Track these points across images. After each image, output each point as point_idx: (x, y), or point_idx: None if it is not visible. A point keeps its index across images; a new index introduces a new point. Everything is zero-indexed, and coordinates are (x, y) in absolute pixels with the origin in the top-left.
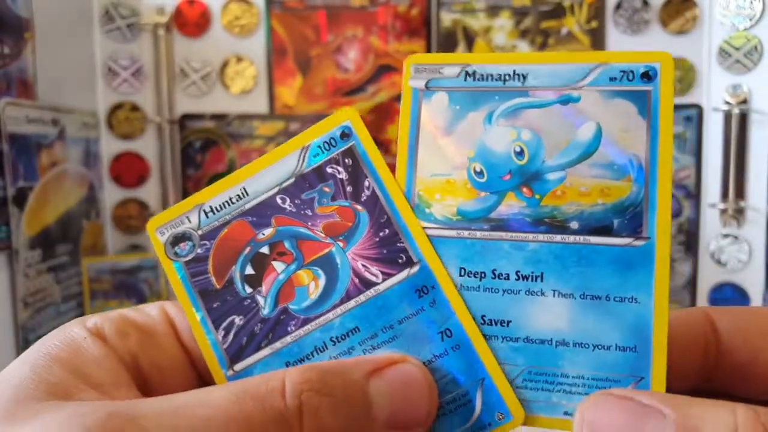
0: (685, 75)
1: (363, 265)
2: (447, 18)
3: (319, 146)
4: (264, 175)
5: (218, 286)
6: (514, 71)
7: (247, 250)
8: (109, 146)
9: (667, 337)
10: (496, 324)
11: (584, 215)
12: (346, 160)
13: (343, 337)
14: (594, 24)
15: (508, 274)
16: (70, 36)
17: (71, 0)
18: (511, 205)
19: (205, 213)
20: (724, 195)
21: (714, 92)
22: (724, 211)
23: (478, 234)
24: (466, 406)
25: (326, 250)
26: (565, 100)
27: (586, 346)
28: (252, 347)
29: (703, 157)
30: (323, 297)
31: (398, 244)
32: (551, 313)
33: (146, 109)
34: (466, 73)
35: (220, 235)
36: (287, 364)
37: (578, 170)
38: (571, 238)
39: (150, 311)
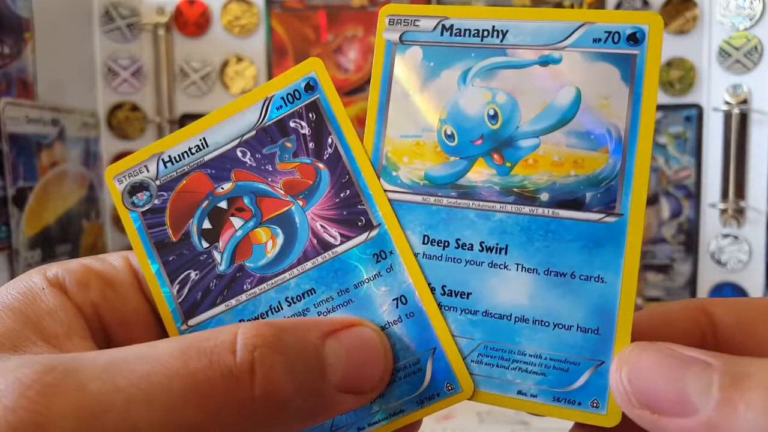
0: (685, 75)
1: (322, 226)
2: None
3: (283, 98)
4: (225, 126)
5: (174, 239)
6: (494, 27)
7: (205, 203)
8: (109, 146)
9: (632, 320)
10: (455, 295)
11: (555, 187)
12: (310, 115)
13: (298, 298)
14: None
15: (471, 245)
16: (70, 36)
17: (71, 0)
18: (481, 172)
19: (164, 162)
20: (724, 195)
21: (714, 92)
22: (724, 211)
23: (445, 201)
24: (416, 375)
25: (285, 209)
26: (545, 62)
27: (546, 324)
28: (207, 303)
29: (703, 157)
30: (280, 256)
31: (359, 206)
32: (513, 287)
33: (146, 109)
34: (443, 26)
35: (178, 187)
36: (241, 322)
37: (553, 138)
38: (540, 210)
39: (113, 261)
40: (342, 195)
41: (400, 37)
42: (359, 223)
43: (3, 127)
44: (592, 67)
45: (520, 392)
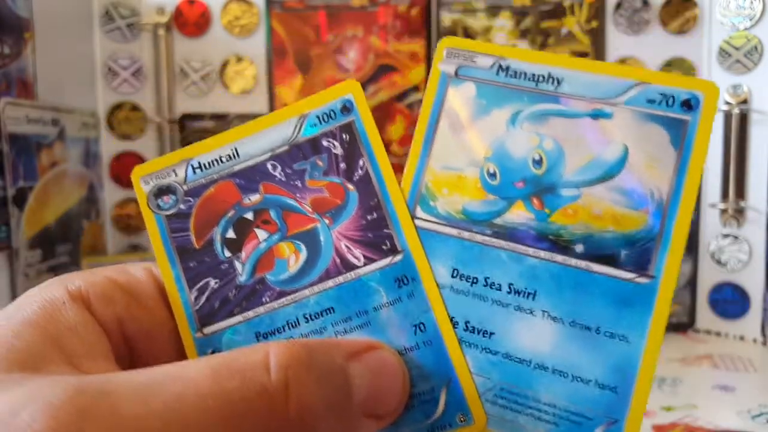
0: (686, 74)
1: (346, 246)
2: (447, 18)
3: (318, 117)
4: (257, 139)
5: (197, 246)
6: (550, 74)
7: (231, 213)
8: (109, 146)
9: (651, 384)
10: (478, 333)
11: (591, 239)
12: (344, 136)
13: (316, 315)
14: (594, 24)
15: (500, 285)
16: (70, 36)
17: (71, 0)
18: (519, 215)
19: (193, 168)
20: (724, 195)
21: None
22: (724, 211)
23: (479, 237)
24: (430, 403)
25: (311, 225)
26: (596, 115)
27: (565, 375)
28: (224, 312)
29: None
30: (302, 272)
31: (384, 230)
32: (537, 334)
33: (146, 109)
34: (500, 66)
35: (205, 194)
36: (257, 335)
37: (595, 191)
38: (573, 261)
39: (137, 273)
40: (369, 217)
41: (456, 71)
42: (384, 247)
43: (3, 127)
44: (642, 127)
45: None
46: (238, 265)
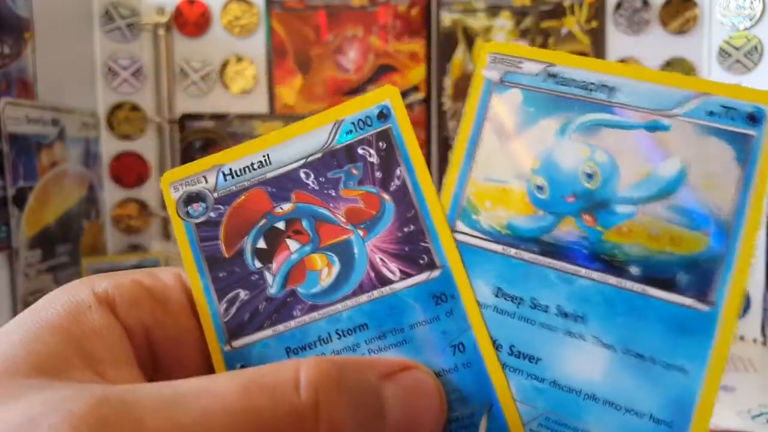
0: (686, 75)
1: (381, 260)
2: (447, 18)
3: (353, 123)
4: (290, 145)
5: (227, 255)
6: (602, 82)
7: (263, 222)
8: (109, 146)
9: (710, 421)
10: (524, 358)
11: (648, 261)
12: (380, 143)
13: (349, 331)
14: (594, 24)
15: (548, 307)
16: (70, 36)
17: (71, 0)
18: (569, 232)
19: (224, 175)
20: None
21: None
22: None
23: (526, 255)
24: (469, 429)
25: (345, 237)
26: (653, 127)
27: (617, 407)
28: (254, 325)
29: None
30: (335, 286)
31: (422, 244)
32: (587, 361)
33: (146, 109)
34: (548, 73)
35: (236, 202)
36: (288, 350)
37: (652, 209)
38: (628, 284)
39: (165, 278)
40: (405, 230)
41: (501, 78)
42: (421, 261)
43: (3, 127)
44: (702, 141)
45: None
46: (268, 276)
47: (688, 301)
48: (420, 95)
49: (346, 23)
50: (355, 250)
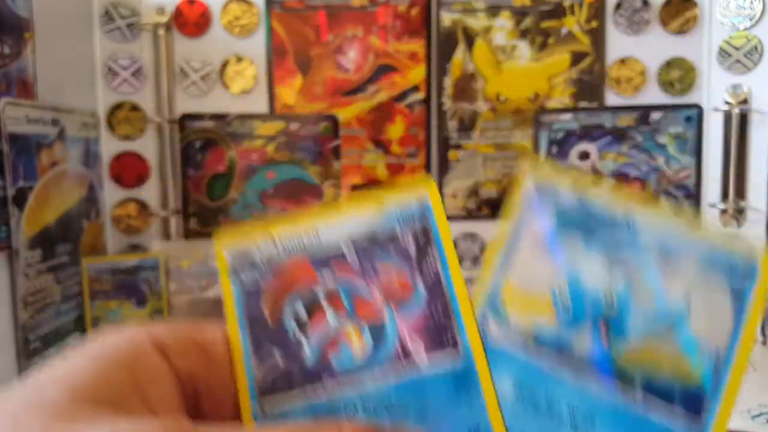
0: (686, 75)
1: (411, 341)
2: (447, 18)
3: (397, 215)
4: (338, 222)
5: (269, 320)
6: (625, 215)
7: (305, 291)
8: (109, 146)
9: None
10: None
11: (652, 382)
12: (419, 238)
13: (375, 406)
14: (594, 24)
15: (561, 408)
16: (69, 36)
17: (71, 0)
18: (586, 345)
19: (275, 244)
20: (725, 195)
21: (714, 92)
22: (724, 211)
23: (545, 359)
24: None
25: (379, 315)
26: (665, 263)
27: None
28: (285, 388)
29: (704, 157)
30: (366, 360)
31: (449, 333)
32: None
33: (146, 109)
34: (582, 200)
35: (282, 269)
36: (315, 417)
37: (658, 336)
38: (632, 397)
39: (213, 331)
40: (435, 316)
41: (537, 195)
42: (447, 348)
43: (3, 127)
44: (705, 282)
45: None
46: (305, 344)
47: (682, 421)
48: (420, 95)
49: (346, 23)
50: (388, 329)
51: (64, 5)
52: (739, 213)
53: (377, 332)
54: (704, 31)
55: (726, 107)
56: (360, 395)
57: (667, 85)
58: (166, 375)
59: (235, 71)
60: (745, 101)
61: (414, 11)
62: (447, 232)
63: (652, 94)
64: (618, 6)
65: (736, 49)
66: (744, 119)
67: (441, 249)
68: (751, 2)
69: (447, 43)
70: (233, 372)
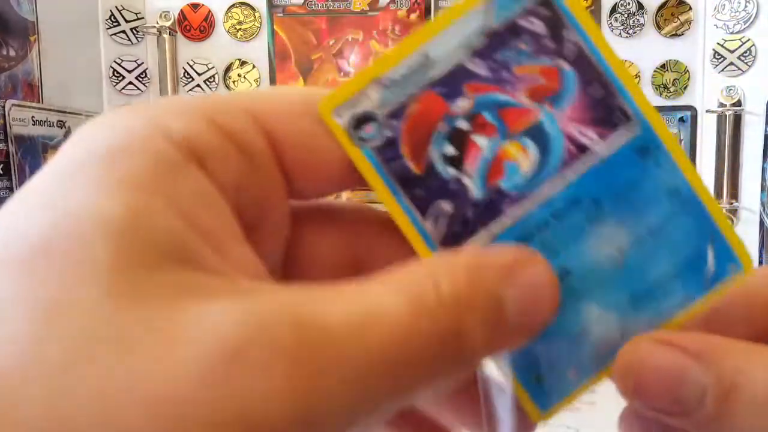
0: (680, 77)
1: (577, 130)
2: None
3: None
4: (446, 37)
5: (418, 171)
6: None
7: (443, 126)
8: None
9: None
10: None
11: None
12: (542, 11)
13: (565, 211)
14: None
15: None
16: (75, 39)
17: (76, 3)
18: None
19: (386, 87)
20: (718, 195)
21: (708, 94)
22: None
23: None
24: (698, 262)
25: (534, 118)
26: None
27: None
28: (467, 233)
29: (697, 158)
30: (537, 170)
31: (613, 102)
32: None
33: None
34: None
35: (409, 112)
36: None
37: None
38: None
39: (242, 121)
40: (594, 94)
41: None
42: (617, 121)
43: (9, 128)
44: None
45: None
46: (467, 180)
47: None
48: None
49: (346, 28)
50: (548, 129)
51: (69, 9)
52: (733, 213)
53: (540, 138)
54: (699, 34)
55: (719, 109)
56: (546, 207)
57: (661, 88)
58: (213, 196)
59: (238, 74)
60: (738, 103)
61: (413, 16)
62: None
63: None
64: (613, 10)
65: (730, 51)
66: (737, 121)
67: (570, 15)
68: (745, 5)
69: None
70: (281, 167)
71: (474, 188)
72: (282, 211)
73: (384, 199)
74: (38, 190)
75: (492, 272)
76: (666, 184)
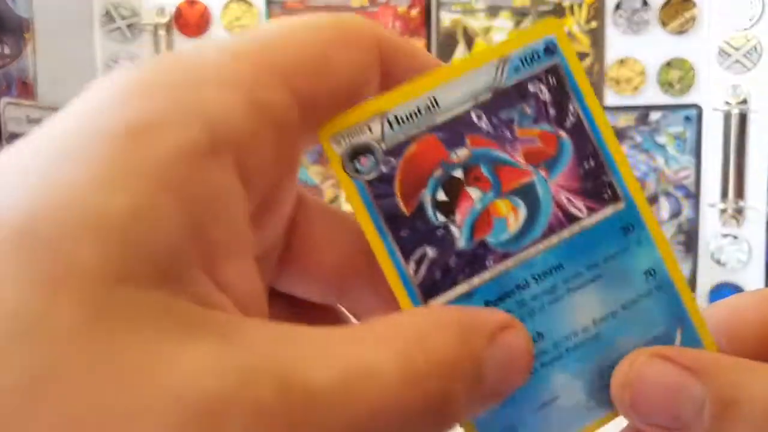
0: (685, 75)
1: (567, 198)
2: (447, 18)
3: (521, 59)
4: (456, 86)
5: (406, 212)
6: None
7: (439, 172)
8: None
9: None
10: None
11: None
12: (550, 79)
13: (545, 274)
14: (594, 24)
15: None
16: (70, 36)
17: (71, 0)
18: None
19: (389, 123)
20: (724, 195)
21: (713, 92)
22: (723, 211)
23: None
24: (667, 343)
25: (527, 179)
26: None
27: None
28: (448, 283)
29: (703, 157)
30: (523, 230)
31: (603, 178)
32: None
33: None
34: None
35: (408, 152)
36: (487, 303)
37: None
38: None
39: (280, 91)
40: (586, 166)
41: None
42: (605, 196)
43: (3, 127)
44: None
45: None
46: (454, 229)
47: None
48: None
49: None
50: (539, 192)
51: (64, 6)
52: (739, 212)
53: (530, 200)
54: (704, 32)
55: (725, 107)
56: (527, 268)
57: (666, 86)
58: (234, 198)
59: None
60: (744, 101)
61: (414, 12)
62: (579, 67)
63: (652, 94)
64: (617, 6)
65: (736, 49)
66: (743, 119)
67: (576, 87)
68: (751, 3)
69: (447, 43)
70: (289, 155)
71: (460, 238)
72: (293, 189)
73: (368, 234)
74: (24, 163)
75: (478, 337)
76: (644, 263)
